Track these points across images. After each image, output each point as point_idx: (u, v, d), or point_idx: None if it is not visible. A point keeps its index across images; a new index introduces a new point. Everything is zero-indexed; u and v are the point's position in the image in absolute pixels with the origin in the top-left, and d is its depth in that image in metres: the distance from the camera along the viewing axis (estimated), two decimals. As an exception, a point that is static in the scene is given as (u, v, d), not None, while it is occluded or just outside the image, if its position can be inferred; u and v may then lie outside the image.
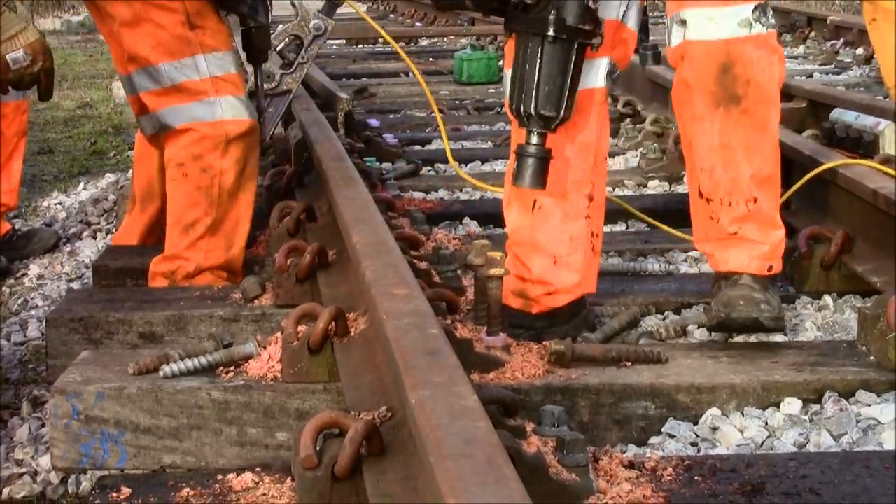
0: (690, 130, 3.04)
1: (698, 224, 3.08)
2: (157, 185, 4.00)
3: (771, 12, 2.95)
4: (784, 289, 3.56)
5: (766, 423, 2.64)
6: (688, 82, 3.01)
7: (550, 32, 2.80)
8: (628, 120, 6.29)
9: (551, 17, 2.80)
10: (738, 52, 2.93)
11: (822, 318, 3.36)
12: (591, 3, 2.80)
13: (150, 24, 3.57)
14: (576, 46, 2.82)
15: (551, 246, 3.07)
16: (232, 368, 2.62)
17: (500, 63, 8.21)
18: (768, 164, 2.99)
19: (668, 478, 2.27)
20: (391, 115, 7.27)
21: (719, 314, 2.95)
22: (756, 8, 2.93)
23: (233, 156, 3.61)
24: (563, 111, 2.84)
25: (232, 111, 3.61)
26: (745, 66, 2.93)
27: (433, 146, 6.34)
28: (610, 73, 3.05)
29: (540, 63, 2.83)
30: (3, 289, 4.42)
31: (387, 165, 5.58)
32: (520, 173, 2.86)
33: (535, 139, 2.86)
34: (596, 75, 3.03)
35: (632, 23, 3.07)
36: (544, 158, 2.86)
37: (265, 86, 4.66)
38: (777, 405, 2.69)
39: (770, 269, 3.02)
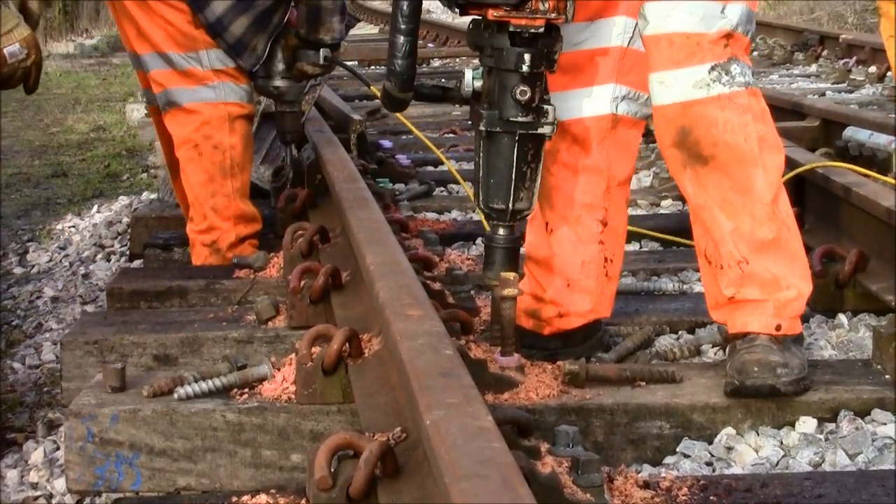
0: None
1: (708, 292, 2.87)
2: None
3: (739, 69, 2.72)
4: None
5: (782, 443, 2.63)
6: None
7: (482, 127, 2.74)
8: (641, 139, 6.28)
9: (484, 111, 2.74)
10: (698, 114, 2.72)
11: (837, 337, 3.35)
12: (518, 96, 2.70)
13: (161, 19, 4.00)
14: (517, 138, 2.73)
15: (564, 269, 3.05)
16: (246, 390, 2.62)
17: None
18: (764, 227, 2.74)
19: (683, 498, 2.27)
20: (404, 136, 7.25)
21: (733, 381, 2.68)
22: (714, 67, 2.71)
23: (238, 132, 4.06)
24: (513, 203, 2.76)
25: (233, 95, 4.06)
26: (708, 129, 2.72)
27: (446, 167, 6.34)
28: (627, 99, 3.01)
29: (484, 157, 2.77)
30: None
31: (400, 186, 5.58)
32: (490, 263, 2.80)
33: (500, 231, 2.80)
34: (580, 105, 2.98)
35: None
36: (513, 248, 2.80)
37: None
38: (792, 424, 2.68)
39: (778, 328, 2.75)
